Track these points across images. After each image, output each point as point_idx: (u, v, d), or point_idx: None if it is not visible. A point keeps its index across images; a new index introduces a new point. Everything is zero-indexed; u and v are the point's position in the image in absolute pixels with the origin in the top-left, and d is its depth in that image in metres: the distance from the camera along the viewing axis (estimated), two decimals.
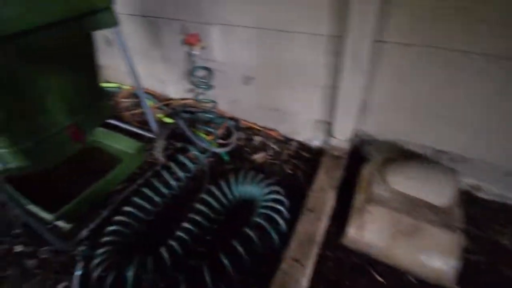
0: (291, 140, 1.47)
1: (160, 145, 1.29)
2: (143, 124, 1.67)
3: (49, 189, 1.21)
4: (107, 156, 1.32)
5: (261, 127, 1.54)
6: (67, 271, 0.99)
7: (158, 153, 1.29)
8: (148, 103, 1.82)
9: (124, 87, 1.96)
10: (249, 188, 1.08)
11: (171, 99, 1.82)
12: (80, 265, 0.97)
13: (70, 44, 0.88)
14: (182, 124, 1.33)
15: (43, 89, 0.86)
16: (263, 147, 1.45)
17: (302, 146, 1.44)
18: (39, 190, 1.17)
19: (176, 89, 1.78)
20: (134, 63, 1.11)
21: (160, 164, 1.33)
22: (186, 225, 1.01)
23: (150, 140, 1.49)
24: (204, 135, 1.50)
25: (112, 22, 0.94)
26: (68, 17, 0.79)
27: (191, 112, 1.66)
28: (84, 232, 1.10)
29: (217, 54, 1.39)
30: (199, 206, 1.07)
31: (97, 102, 1.06)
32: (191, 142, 1.40)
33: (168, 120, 1.60)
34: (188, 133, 1.34)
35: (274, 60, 1.26)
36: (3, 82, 0.76)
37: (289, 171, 1.30)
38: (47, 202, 1.06)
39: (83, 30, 0.88)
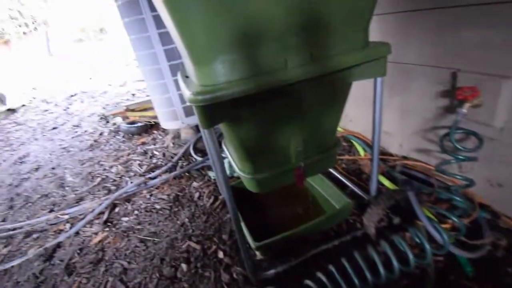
0: None
1: (375, 214, 1.05)
2: (349, 173, 1.51)
3: (256, 211, 1.29)
4: (311, 201, 1.25)
5: None
6: None
7: (370, 223, 1.05)
8: (359, 149, 1.64)
9: (338, 129, 1.91)
10: None
11: (390, 154, 1.54)
12: None
13: (330, 90, 0.82)
14: (413, 198, 1.01)
15: (292, 131, 0.85)
16: None
17: None
18: (247, 208, 1.26)
19: (402, 145, 1.48)
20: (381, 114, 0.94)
21: (363, 231, 1.09)
22: None
23: (356, 197, 1.29)
24: (432, 217, 1.10)
25: (382, 72, 0.81)
26: (346, 67, 0.71)
27: (418, 179, 1.30)
28: (271, 272, 1.05)
29: (499, 117, 0.96)
30: None
31: (329, 150, 0.97)
32: (413, 223, 1.05)
33: (384, 181, 1.32)
34: (419, 212, 1.00)
35: None
36: (266, 121, 0.79)
37: None
38: (250, 224, 1.11)
39: (350, 79, 0.81)
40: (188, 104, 0.69)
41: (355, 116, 1.76)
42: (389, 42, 0.80)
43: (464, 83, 1.04)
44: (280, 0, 0.59)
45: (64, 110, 4.15)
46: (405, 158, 1.46)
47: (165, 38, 1.84)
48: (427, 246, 0.97)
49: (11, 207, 1.82)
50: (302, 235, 1.09)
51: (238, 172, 1.02)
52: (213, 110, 0.66)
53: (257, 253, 1.11)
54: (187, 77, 0.84)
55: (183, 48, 0.65)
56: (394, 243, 1.01)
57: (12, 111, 4.34)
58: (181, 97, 2.00)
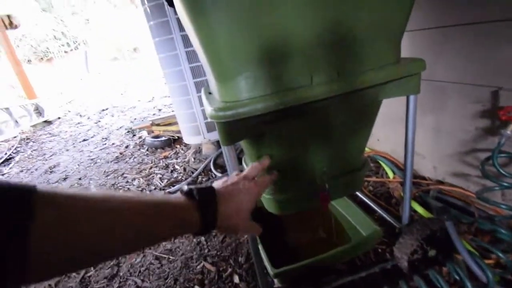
0: None
1: (408, 244, 0.95)
2: (377, 196, 1.41)
3: (275, 234, 1.22)
4: (335, 226, 1.17)
5: None
6: None
7: (401, 254, 0.95)
8: (388, 171, 1.54)
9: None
10: None
11: (423, 177, 1.43)
12: None
13: (359, 108, 0.77)
14: (451, 228, 0.91)
15: (317, 150, 0.80)
16: None
17: None
18: (265, 230, 1.20)
19: (436, 167, 1.37)
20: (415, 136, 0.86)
21: (393, 263, 0.99)
22: None
23: (385, 223, 1.19)
24: (473, 250, 0.98)
25: (415, 90, 0.76)
26: (375, 84, 0.66)
27: (455, 207, 1.18)
28: None
29: None
30: None
31: (356, 171, 0.91)
32: (451, 257, 0.94)
33: (417, 207, 1.22)
34: (458, 245, 0.89)
35: None
36: (289, 139, 0.75)
37: None
38: (269, 247, 1.05)
39: (380, 97, 0.76)
40: (210, 120, 0.67)
41: (383, 135, 1.68)
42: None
43: (507, 102, 0.95)
44: (307, 16, 0.57)
45: (95, 123, 4.37)
46: (440, 182, 1.35)
47: (191, 56, 1.91)
48: (468, 284, 0.86)
49: None
50: (325, 263, 1.01)
51: None
52: (234, 127, 0.64)
53: (275, 280, 1.04)
54: (210, 93, 0.84)
55: (207, 64, 0.64)
56: (429, 278, 0.91)
57: (48, 123, 4.64)
58: (204, 113, 2.03)
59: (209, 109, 0.64)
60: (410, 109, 0.80)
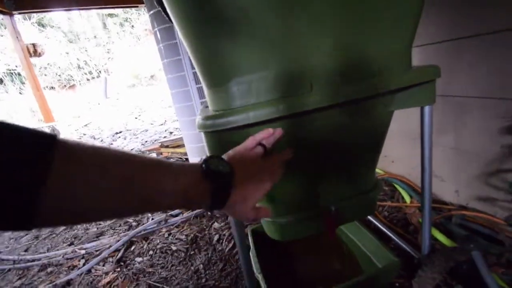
0: None
1: (429, 278, 0.81)
2: (393, 223, 1.28)
3: (281, 262, 1.11)
4: (346, 254, 1.04)
5: None
6: None
7: None
8: (404, 195, 1.42)
9: (377, 171, 1.71)
10: None
11: (443, 202, 1.29)
12: None
13: (367, 119, 0.69)
14: (479, 260, 0.78)
15: (320, 166, 0.72)
16: None
17: None
18: (270, 257, 1.09)
19: (458, 191, 1.24)
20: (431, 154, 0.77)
21: None
22: None
23: (402, 253, 1.05)
24: (505, 286, 0.83)
25: (430, 99, 0.69)
26: (384, 91, 0.60)
27: (482, 235, 1.04)
28: None
29: None
30: None
31: (367, 193, 0.81)
32: None
33: (438, 235, 1.08)
34: (488, 279, 0.76)
35: None
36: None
37: None
38: (272, 280, 0.93)
39: (390, 107, 0.68)
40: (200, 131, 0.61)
41: (397, 156, 1.57)
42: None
43: None
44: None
45: (108, 146, 4.44)
46: (463, 207, 1.21)
47: (202, 92, 1.94)
48: None
49: (36, 237, 1.84)
50: None
51: None
52: (224, 138, 0.58)
53: None
54: (207, 107, 0.79)
55: (198, 70, 0.60)
56: None
57: None
58: None
59: (197, 119, 0.58)
60: (426, 122, 0.72)
